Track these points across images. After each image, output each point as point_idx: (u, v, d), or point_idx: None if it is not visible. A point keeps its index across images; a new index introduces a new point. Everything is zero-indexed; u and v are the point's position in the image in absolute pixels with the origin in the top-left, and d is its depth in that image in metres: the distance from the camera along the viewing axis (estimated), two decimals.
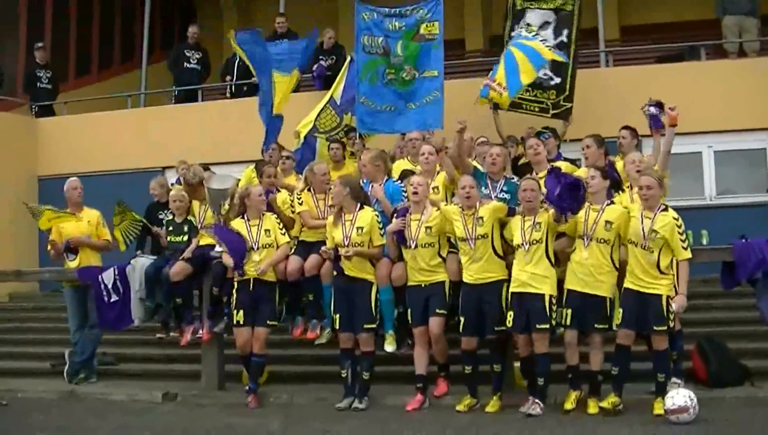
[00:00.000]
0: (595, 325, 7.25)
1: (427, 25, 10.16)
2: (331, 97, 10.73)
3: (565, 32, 10.41)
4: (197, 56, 13.78)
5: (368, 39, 10.30)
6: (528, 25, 10.33)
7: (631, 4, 16.77)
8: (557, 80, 10.35)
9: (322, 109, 10.59)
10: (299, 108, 11.86)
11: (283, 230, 8.37)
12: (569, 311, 7.26)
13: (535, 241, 7.30)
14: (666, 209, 7.16)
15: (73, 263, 9.43)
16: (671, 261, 7.09)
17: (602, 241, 7.19)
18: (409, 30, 10.13)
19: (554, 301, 7.31)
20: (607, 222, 7.17)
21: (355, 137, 10.26)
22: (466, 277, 7.58)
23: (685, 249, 7.07)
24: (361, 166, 8.77)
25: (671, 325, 7.10)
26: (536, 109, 10.40)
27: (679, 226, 7.05)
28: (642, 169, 7.54)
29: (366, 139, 10.48)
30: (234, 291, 8.27)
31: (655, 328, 7.05)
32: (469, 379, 7.76)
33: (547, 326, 7.26)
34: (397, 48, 10.22)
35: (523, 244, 7.34)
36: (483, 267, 7.50)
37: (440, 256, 7.81)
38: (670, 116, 7.74)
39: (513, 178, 8.21)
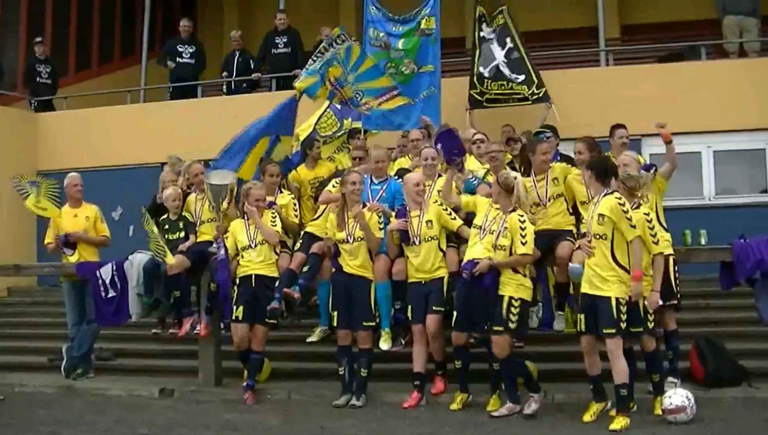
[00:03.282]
0: (605, 330, 6.72)
1: (426, 20, 10.19)
2: (332, 103, 10.73)
3: (509, 39, 10.73)
4: (190, 50, 13.68)
5: (373, 32, 10.35)
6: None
7: (631, 3, 16.77)
8: (521, 77, 10.53)
9: (323, 113, 10.59)
10: (299, 104, 11.86)
11: (276, 222, 8.38)
12: (582, 316, 6.87)
13: (501, 247, 7.20)
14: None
15: (72, 258, 9.43)
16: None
17: (599, 236, 6.83)
18: (411, 29, 10.17)
19: (515, 303, 7.11)
20: (600, 215, 6.83)
21: (359, 136, 10.26)
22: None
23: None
24: (371, 162, 8.74)
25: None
26: (515, 100, 10.52)
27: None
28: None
29: (371, 135, 10.49)
30: (235, 286, 8.30)
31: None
32: (459, 375, 7.74)
33: (501, 328, 7.09)
34: (398, 44, 10.26)
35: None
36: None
37: (440, 249, 7.81)
38: (662, 134, 7.70)
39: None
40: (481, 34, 10.84)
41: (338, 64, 9.67)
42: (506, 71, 10.54)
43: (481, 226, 7.38)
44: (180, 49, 13.65)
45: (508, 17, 10.80)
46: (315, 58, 9.86)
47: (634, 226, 6.73)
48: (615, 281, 6.76)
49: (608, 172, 6.98)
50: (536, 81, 10.51)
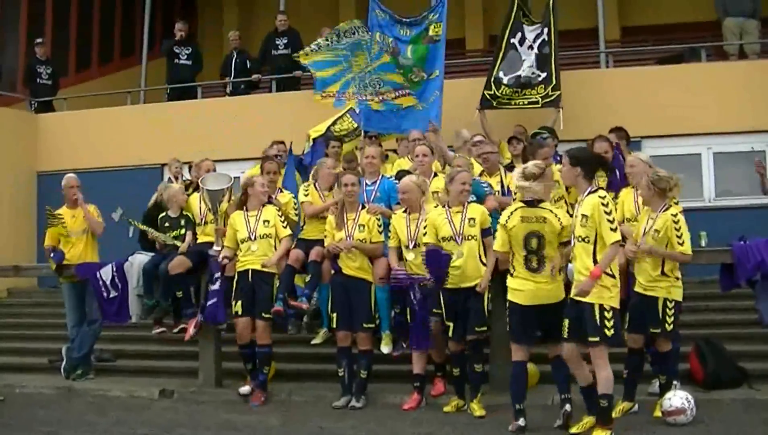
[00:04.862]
0: (589, 338, 6.22)
1: (434, 27, 10.23)
2: (351, 108, 10.74)
3: (546, 30, 10.71)
4: (186, 51, 13.73)
5: (380, 36, 10.35)
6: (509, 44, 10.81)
7: (631, 4, 16.78)
8: (543, 75, 10.48)
9: (340, 117, 10.59)
10: (299, 105, 11.90)
11: (285, 223, 8.37)
12: (567, 321, 6.35)
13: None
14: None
15: (66, 263, 9.37)
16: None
17: (581, 239, 6.26)
18: (419, 35, 10.21)
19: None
20: (583, 216, 6.25)
21: (372, 137, 10.27)
22: (451, 281, 7.41)
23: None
24: (364, 160, 8.74)
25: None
26: (525, 103, 10.52)
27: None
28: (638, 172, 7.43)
29: (383, 139, 10.50)
30: (234, 282, 8.29)
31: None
32: (456, 382, 7.74)
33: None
34: (407, 51, 10.29)
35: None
36: (468, 265, 7.35)
37: None
38: None
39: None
40: (512, 40, 10.79)
41: (365, 51, 9.73)
42: (528, 73, 10.49)
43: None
44: (177, 51, 13.67)
45: (553, 12, 10.76)
46: (331, 41, 9.93)
47: (614, 230, 6.17)
48: (597, 287, 6.15)
49: (592, 165, 6.47)
50: (554, 82, 10.48)
